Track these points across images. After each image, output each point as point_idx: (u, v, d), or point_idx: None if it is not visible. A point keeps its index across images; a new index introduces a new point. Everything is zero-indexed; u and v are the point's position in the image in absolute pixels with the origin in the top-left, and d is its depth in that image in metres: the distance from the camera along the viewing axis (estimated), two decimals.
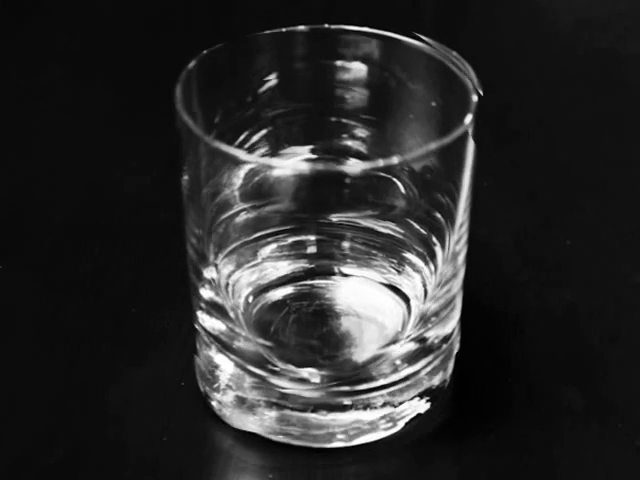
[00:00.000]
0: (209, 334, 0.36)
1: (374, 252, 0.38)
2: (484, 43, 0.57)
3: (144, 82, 0.53)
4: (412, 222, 0.37)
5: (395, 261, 0.38)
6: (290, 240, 0.38)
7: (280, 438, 0.36)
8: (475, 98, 0.33)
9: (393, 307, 0.38)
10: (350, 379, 0.35)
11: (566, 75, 0.55)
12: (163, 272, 0.42)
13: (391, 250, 0.38)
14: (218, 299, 0.35)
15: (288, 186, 0.36)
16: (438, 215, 0.36)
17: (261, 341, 0.36)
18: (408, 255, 0.38)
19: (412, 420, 0.36)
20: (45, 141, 0.50)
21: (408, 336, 0.36)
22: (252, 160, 0.35)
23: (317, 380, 0.35)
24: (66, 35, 0.57)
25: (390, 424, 0.36)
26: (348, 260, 0.39)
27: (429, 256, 0.37)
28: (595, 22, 0.59)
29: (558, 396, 0.37)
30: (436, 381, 0.37)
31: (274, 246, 0.38)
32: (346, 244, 0.39)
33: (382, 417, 0.36)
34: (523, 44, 0.58)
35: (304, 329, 0.38)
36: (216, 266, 0.36)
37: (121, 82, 0.54)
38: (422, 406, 0.37)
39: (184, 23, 0.58)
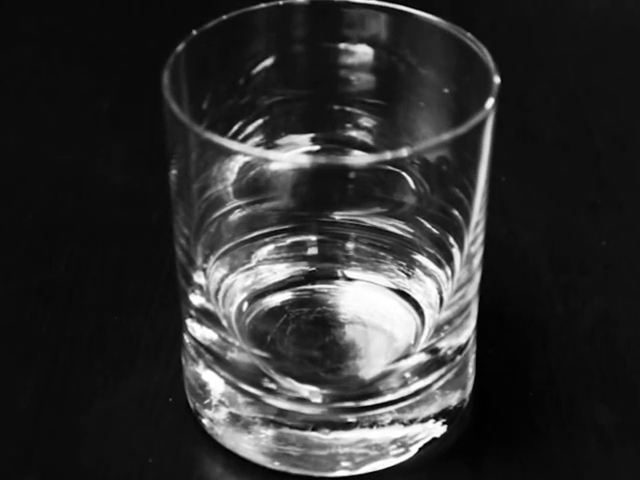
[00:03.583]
0: (199, 344, 0.35)
1: (381, 254, 0.38)
2: (505, 21, 0.57)
3: (127, 64, 0.53)
4: (423, 221, 0.36)
5: (404, 264, 0.37)
6: (289, 241, 0.38)
7: (277, 465, 0.34)
8: (497, 80, 0.33)
9: (403, 315, 0.37)
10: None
11: (597, 56, 0.54)
12: (149, 276, 0.41)
13: (400, 252, 0.37)
14: (209, 306, 0.35)
15: (287, 181, 0.35)
16: (456, 213, 0.35)
17: (257, 352, 0.35)
18: (419, 257, 0.37)
19: (426, 445, 0.35)
20: (17, 130, 0.49)
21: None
22: (247, 152, 0.34)
23: (319, 400, 0.34)
24: (33, 14, 0.57)
25: (402, 449, 0.35)
26: (352, 263, 0.38)
27: (445, 259, 0.36)
28: None
29: (588, 415, 0.37)
30: (453, 401, 0.36)
31: (271, 247, 0.38)
32: (350, 245, 0.38)
33: (392, 442, 0.35)
34: (549, 22, 0.57)
35: (304, 339, 0.37)
36: (204, 270, 0.35)
37: (102, 64, 0.53)
38: (438, 429, 0.36)
39: None
